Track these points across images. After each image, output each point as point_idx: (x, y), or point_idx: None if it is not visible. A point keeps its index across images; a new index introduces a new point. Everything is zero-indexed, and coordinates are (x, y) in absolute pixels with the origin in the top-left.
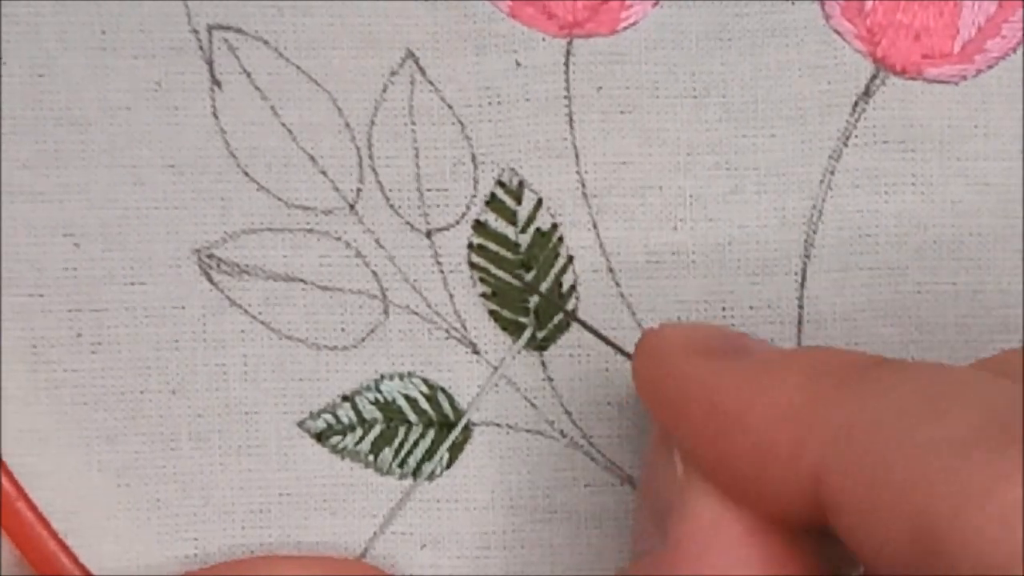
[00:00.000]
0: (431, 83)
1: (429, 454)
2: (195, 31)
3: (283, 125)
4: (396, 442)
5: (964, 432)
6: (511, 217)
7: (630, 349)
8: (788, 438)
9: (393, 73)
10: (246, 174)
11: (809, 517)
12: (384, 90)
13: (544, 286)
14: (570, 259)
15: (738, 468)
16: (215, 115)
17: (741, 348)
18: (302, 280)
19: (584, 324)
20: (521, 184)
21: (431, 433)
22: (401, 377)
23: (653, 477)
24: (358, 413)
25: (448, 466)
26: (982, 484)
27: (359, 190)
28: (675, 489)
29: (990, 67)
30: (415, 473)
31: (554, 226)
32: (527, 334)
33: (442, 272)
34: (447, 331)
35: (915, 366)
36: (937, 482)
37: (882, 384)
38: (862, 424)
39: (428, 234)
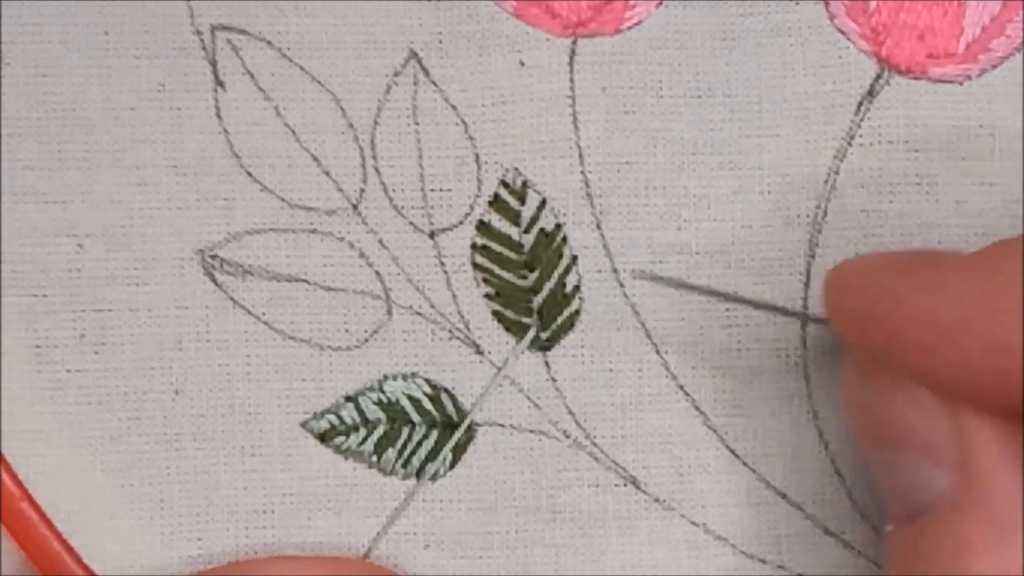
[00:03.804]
0: (434, 83)
1: (432, 454)
2: (198, 32)
3: (286, 126)
4: (399, 442)
5: None
6: (515, 217)
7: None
8: (1020, 329)
9: (396, 73)
10: (249, 175)
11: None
12: (387, 90)
13: (548, 286)
14: (574, 259)
15: (973, 370)
16: (219, 116)
17: (936, 257)
18: (305, 280)
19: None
20: (525, 184)
21: (434, 433)
22: (404, 377)
23: (901, 415)
24: (361, 413)
25: (451, 466)
26: None
27: (362, 190)
28: (929, 423)
29: (995, 67)
30: (418, 473)
31: (558, 226)
32: (531, 334)
33: (445, 272)
34: (450, 331)
35: None
36: None
37: None
38: None
39: (431, 234)
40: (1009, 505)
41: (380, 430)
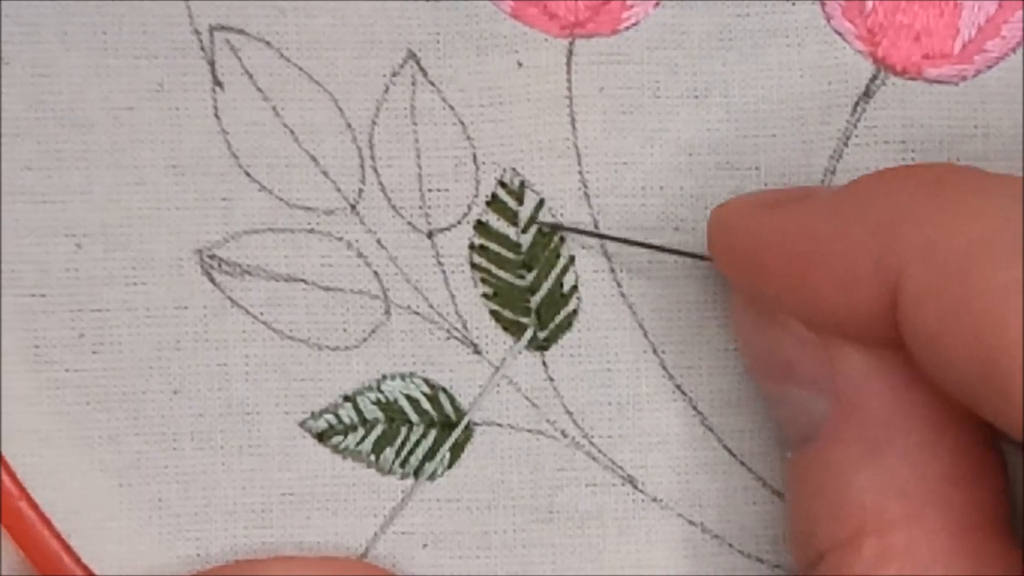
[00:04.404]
0: (432, 83)
1: (431, 454)
2: (197, 32)
3: (285, 126)
4: (398, 442)
5: None
6: (512, 217)
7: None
8: (869, 258)
9: (395, 74)
10: (248, 175)
11: (889, 338)
12: (386, 91)
13: (545, 286)
14: (571, 259)
15: (824, 301)
16: (217, 116)
17: (805, 193)
18: (304, 280)
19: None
20: (523, 184)
21: (432, 433)
22: (403, 377)
23: (778, 350)
24: (359, 413)
25: (449, 466)
26: None
27: (361, 191)
28: (805, 354)
29: (990, 67)
30: (416, 473)
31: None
32: (528, 334)
33: (443, 272)
34: (448, 331)
35: (1002, 184)
36: (1011, 325)
37: (970, 204)
38: (946, 246)
39: (429, 234)
40: (880, 427)
41: (378, 429)
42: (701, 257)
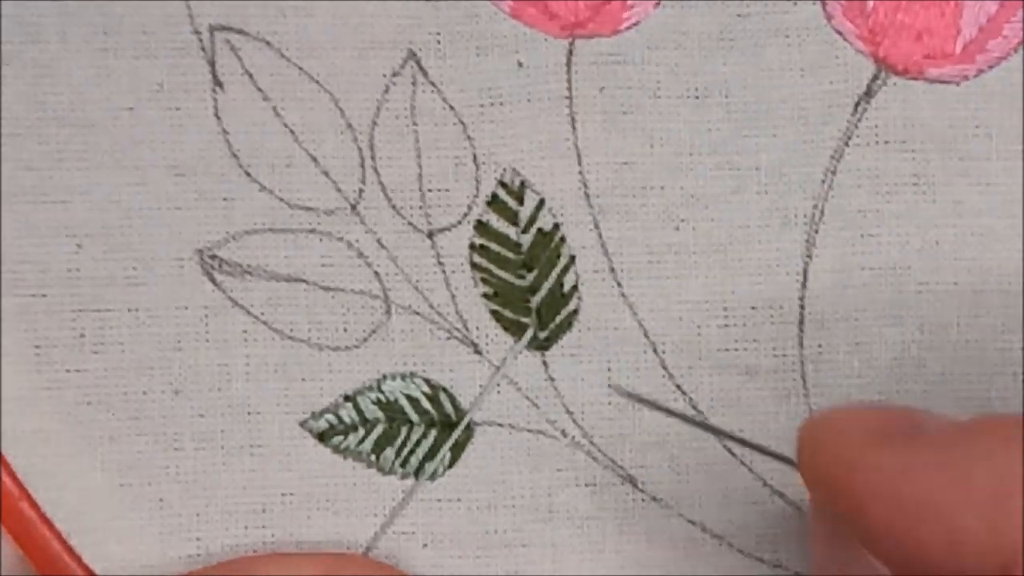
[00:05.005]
0: (433, 84)
1: (431, 454)
2: (197, 32)
3: (285, 126)
4: (398, 442)
5: None
6: (513, 217)
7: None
8: (982, 524)
9: (395, 74)
10: (248, 175)
11: None
12: (386, 91)
13: (546, 286)
14: (572, 259)
15: (932, 558)
16: (217, 116)
17: (916, 426)
18: (304, 280)
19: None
20: (523, 184)
21: (433, 433)
22: (403, 377)
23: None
24: (360, 413)
25: (450, 465)
26: None
27: (361, 191)
28: None
29: (991, 67)
30: (417, 472)
31: (556, 226)
32: (529, 334)
33: (444, 272)
34: (449, 331)
35: None
36: None
37: None
38: None
39: (430, 234)
40: None
41: (379, 429)
42: (784, 459)
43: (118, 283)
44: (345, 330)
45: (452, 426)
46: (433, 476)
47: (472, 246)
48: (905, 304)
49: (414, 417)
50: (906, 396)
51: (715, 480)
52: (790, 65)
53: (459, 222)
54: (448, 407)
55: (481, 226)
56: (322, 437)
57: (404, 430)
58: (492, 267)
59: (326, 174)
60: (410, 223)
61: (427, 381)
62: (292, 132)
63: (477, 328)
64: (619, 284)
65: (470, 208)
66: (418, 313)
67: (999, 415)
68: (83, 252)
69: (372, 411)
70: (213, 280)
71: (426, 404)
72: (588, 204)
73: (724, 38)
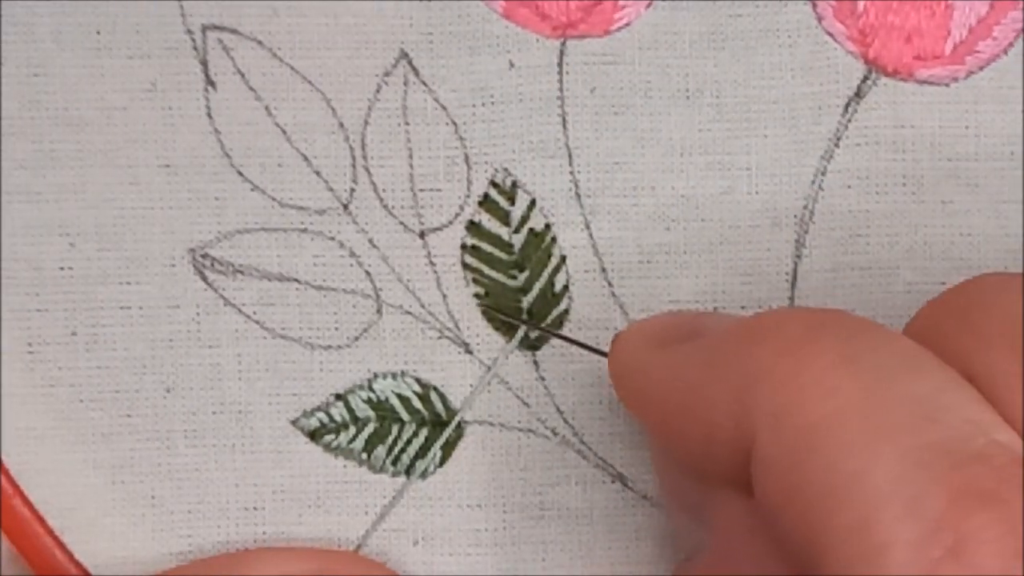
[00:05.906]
0: (425, 83)
1: (422, 452)
2: (190, 31)
3: (277, 125)
4: (389, 440)
5: (884, 478)
6: (504, 217)
7: None
8: (729, 420)
9: (387, 73)
10: (240, 174)
11: (752, 491)
12: (378, 90)
13: (537, 286)
14: (563, 259)
15: (693, 452)
16: (209, 115)
17: (696, 330)
18: (296, 280)
19: (565, 337)
20: (514, 184)
21: (424, 431)
22: (394, 376)
23: (671, 477)
24: (351, 411)
25: (441, 464)
26: (881, 540)
27: (353, 190)
28: (690, 488)
29: (981, 69)
30: (408, 471)
31: (547, 226)
32: (520, 334)
33: (435, 272)
34: (440, 331)
35: (874, 353)
36: (836, 525)
37: (827, 377)
38: (793, 422)
39: (421, 234)
40: (751, 568)
41: (370, 428)
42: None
43: (111, 281)
44: (336, 329)
45: (443, 425)
46: (424, 474)
47: (463, 246)
48: (894, 304)
49: (405, 416)
50: None
51: None
52: (781, 66)
53: (451, 222)
54: (439, 406)
55: (473, 226)
56: (313, 435)
57: (395, 429)
58: (484, 267)
59: (318, 173)
60: (402, 223)
61: (418, 380)
62: (284, 132)
63: (468, 328)
64: (610, 284)
65: (462, 208)
66: (409, 313)
67: (763, 313)
68: (76, 250)
69: (363, 410)
70: (205, 279)
71: (417, 403)
72: (579, 204)
73: (715, 39)
